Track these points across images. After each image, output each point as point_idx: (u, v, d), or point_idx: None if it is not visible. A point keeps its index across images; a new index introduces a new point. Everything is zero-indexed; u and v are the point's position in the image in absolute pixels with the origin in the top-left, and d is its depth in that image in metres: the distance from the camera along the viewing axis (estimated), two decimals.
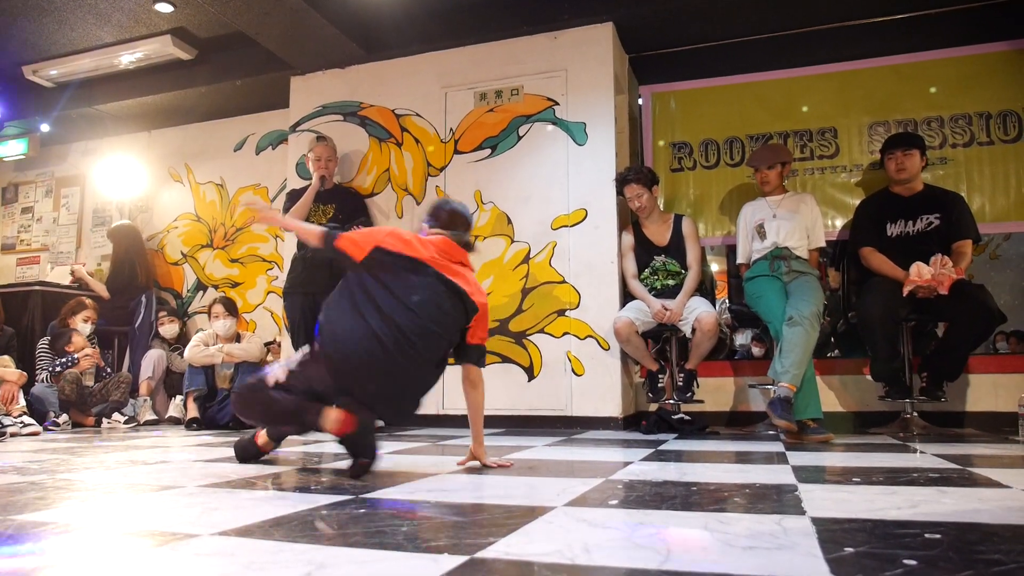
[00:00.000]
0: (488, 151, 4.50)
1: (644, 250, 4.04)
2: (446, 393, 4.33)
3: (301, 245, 4.42)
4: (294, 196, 4.43)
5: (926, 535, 1.23)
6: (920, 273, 3.44)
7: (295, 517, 1.47)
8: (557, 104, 4.38)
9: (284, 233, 4.93)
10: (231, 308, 4.66)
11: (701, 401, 4.00)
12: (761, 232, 3.86)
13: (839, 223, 4.25)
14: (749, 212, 3.99)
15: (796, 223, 3.80)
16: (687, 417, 3.85)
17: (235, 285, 5.61)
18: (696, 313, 3.70)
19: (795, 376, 3.29)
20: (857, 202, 4.06)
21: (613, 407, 4.01)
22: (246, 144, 5.75)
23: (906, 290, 3.46)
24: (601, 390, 4.02)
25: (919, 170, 3.78)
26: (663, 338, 4.05)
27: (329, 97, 4.95)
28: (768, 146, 4.23)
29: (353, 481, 1.98)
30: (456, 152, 4.57)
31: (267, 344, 4.92)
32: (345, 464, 2.30)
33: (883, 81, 4.30)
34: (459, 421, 4.00)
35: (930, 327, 3.91)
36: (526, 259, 4.30)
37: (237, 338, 4.63)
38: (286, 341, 4.65)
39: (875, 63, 4.32)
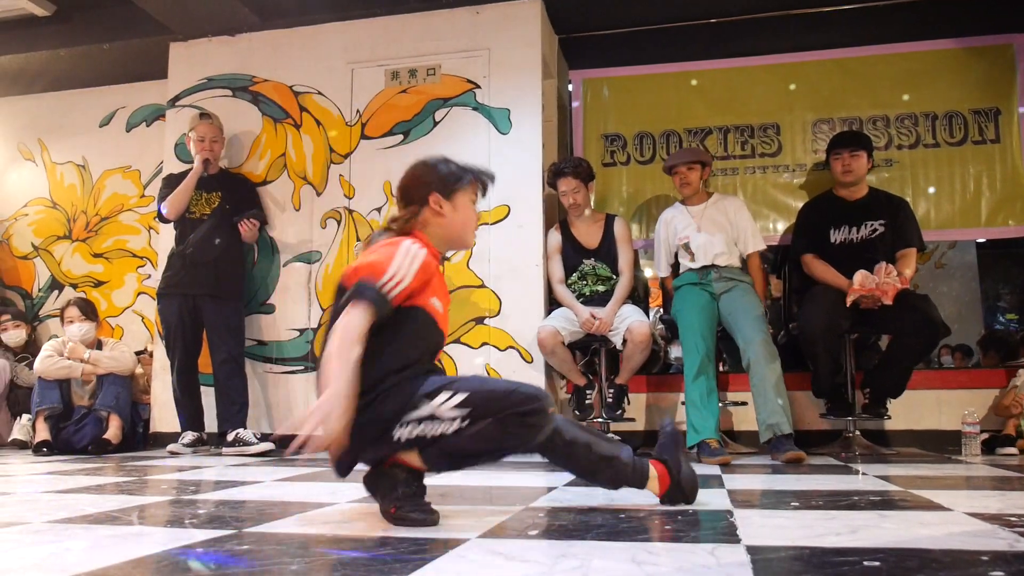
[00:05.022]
0: (400, 137, 4.46)
1: (573, 252, 4.08)
2: None
3: (179, 239, 4.28)
4: (172, 182, 4.28)
5: (865, 562, 1.29)
6: (864, 282, 3.61)
7: (163, 556, 1.42)
8: (478, 87, 4.39)
9: (159, 224, 4.70)
10: (88, 311, 4.44)
11: (632, 419, 4.07)
12: (688, 252, 3.92)
13: (781, 227, 4.42)
14: (669, 224, 4.05)
15: (724, 239, 3.89)
16: (617, 437, 3.90)
17: (99, 284, 5.36)
18: (627, 323, 3.76)
19: (787, 420, 3.39)
20: (800, 205, 4.23)
21: None
22: (115, 119, 5.50)
23: (849, 299, 3.62)
24: None
25: (865, 172, 3.96)
26: (591, 350, 4.09)
27: (216, 68, 4.80)
28: (686, 148, 4.38)
29: (235, 512, 1.92)
30: (363, 137, 4.51)
31: (137, 353, 4.72)
32: (223, 494, 2.22)
33: (828, 76, 4.50)
34: None
35: (873, 340, 4.11)
36: (441, 260, 4.27)
37: (98, 345, 4.42)
38: (159, 350, 4.47)
39: (820, 56, 4.51)
